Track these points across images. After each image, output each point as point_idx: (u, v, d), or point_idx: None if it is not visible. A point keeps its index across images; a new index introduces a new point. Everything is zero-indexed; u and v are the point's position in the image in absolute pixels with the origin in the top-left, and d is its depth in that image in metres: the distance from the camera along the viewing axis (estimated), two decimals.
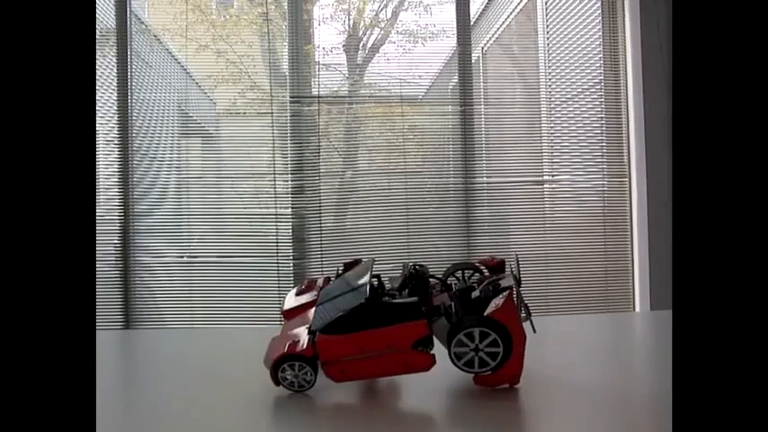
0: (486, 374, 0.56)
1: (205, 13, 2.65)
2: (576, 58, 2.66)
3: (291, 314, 0.66)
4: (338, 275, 0.68)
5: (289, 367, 0.55)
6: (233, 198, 2.62)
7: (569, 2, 2.68)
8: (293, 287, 0.72)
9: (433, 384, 0.56)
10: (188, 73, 2.63)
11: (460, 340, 0.54)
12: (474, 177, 2.58)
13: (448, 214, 2.55)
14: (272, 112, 2.54)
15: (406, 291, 0.63)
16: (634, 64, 2.57)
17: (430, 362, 0.56)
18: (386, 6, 2.76)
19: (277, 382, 0.55)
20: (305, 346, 0.56)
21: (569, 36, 2.68)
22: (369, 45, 2.74)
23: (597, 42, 2.62)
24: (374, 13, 2.77)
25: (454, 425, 0.46)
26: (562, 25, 2.70)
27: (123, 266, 2.47)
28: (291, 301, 0.68)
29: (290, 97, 2.55)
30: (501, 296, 0.57)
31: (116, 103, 2.48)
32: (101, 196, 2.48)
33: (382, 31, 2.74)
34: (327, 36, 2.65)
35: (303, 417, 0.48)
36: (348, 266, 0.69)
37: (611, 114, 2.63)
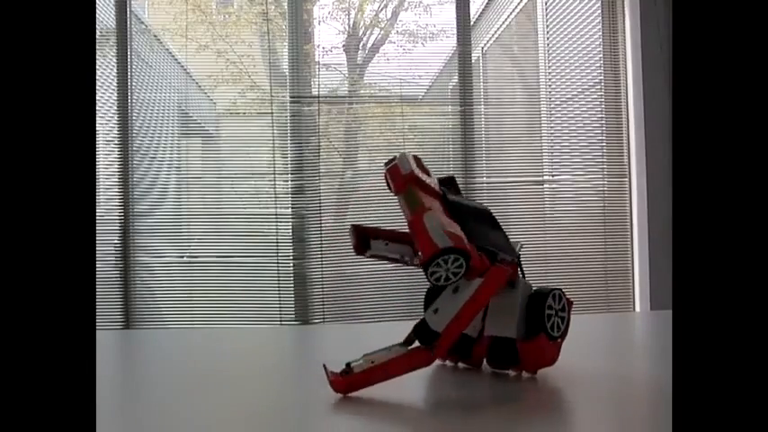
0: (535, 356, 0.54)
1: (205, 13, 2.65)
2: (576, 58, 2.67)
3: (414, 182, 0.56)
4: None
5: (444, 261, 0.48)
6: (233, 198, 2.63)
7: (569, 2, 2.68)
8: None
9: (437, 375, 0.56)
10: (188, 73, 2.63)
11: (550, 304, 0.54)
12: (474, 177, 2.58)
13: None
14: (272, 112, 2.54)
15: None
16: (634, 64, 2.57)
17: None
18: (386, 6, 2.76)
19: (426, 269, 0.48)
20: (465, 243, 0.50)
21: (569, 36, 2.69)
22: (369, 45, 2.74)
23: (597, 42, 2.62)
24: (374, 13, 2.77)
25: (454, 415, 0.46)
26: (562, 25, 2.70)
27: (123, 266, 2.47)
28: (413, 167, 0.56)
29: (290, 97, 2.55)
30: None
31: (116, 103, 2.48)
32: (101, 196, 2.48)
33: (382, 31, 2.74)
34: (327, 36, 2.65)
35: (303, 417, 0.48)
36: (443, 182, 0.62)
37: (611, 114, 2.63)
